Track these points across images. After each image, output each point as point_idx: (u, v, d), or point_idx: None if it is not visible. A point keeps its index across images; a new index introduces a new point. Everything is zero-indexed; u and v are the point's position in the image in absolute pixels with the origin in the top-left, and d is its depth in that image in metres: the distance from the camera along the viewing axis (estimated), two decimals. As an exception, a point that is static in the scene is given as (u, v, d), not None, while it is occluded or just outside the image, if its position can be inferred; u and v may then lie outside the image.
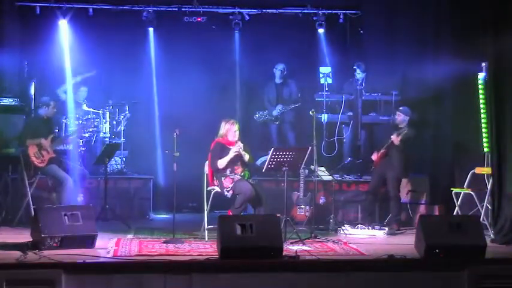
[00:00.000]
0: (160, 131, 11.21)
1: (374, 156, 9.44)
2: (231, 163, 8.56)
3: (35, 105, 10.07)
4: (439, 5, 10.28)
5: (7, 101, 10.16)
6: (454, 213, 8.97)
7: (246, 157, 8.64)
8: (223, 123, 8.68)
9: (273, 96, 11.12)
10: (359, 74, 10.73)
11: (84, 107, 10.66)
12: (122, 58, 10.97)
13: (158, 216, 10.29)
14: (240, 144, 8.58)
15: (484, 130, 8.89)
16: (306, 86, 11.23)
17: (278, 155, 8.34)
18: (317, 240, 8.21)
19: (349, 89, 10.84)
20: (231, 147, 8.61)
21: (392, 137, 9.28)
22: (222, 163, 8.51)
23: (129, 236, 8.36)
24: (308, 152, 8.48)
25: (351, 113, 10.79)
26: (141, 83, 11.24)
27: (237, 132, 8.65)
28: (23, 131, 9.43)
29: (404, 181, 9.51)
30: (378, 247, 7.72)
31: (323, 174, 9.51)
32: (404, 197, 9.80)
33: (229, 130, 8.62)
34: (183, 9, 11.10)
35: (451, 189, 9.22)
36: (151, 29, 11.22)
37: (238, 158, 8.60)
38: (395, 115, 9.58)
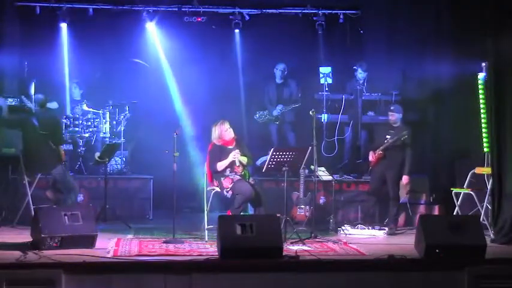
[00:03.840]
0: (160, 131, 11.19)
1: (371, 157, 9.33)
2: (231, 163, 8.55)
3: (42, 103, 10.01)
4: (439, 5, 10.29)
5: (7, 101, 10.14)
6: (454, 213, 8.96)
7: (245, 161, 8.64)
8: (213, 128, 8.64)
9: (273, 96, 11.12)
10: (360, 74, 10.72)
11: (85, 107, 10.65)
12: (122, 58, 10.97)
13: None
14: (236, 152, 8.55)
15: (484, 130, 8.89)
16: (306, 86, 11.22)
17: (278, 155, 8.33)
18: (317, 240, 8.20)
19: (350, 88, 10.84)
20: (229, 146, 8.60)
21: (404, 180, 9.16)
22: (221, 166, 8.51)
23: (129, 236, 8.36)
24: (308, 152, 8.47)
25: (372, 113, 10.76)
26: (141, 83, 11.23)
27: (230, 130, 8.62)
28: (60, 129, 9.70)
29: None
30: (377, 247, 7.72)
31: (323, 174, 9.50)
32: (405, 196, 9.79)
33: (222, 130, 8.60)
34: (183, 9, 11.10)
35: (451, 189, 9.22)
36: (151, 24, 11.14)
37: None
38: (387, 115, 9.46)
